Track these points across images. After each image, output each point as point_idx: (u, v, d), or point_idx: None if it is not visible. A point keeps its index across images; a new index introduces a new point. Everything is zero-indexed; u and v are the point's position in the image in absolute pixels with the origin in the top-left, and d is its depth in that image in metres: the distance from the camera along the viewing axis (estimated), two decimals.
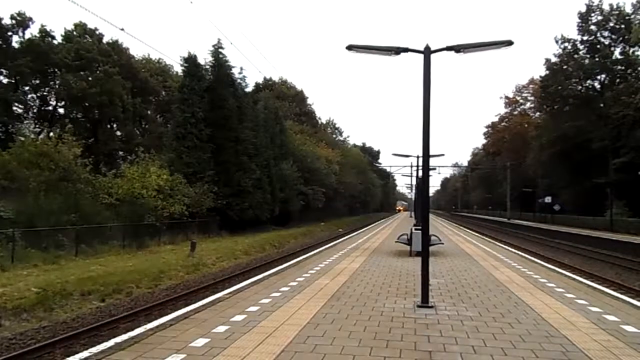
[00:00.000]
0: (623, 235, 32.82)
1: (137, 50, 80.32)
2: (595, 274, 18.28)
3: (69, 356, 5.41)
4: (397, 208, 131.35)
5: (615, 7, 48.15)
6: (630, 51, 47.06)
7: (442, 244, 17.92)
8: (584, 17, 49.37)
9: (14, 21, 38.48)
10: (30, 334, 9.72)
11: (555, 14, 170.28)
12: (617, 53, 48.87)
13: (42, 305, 11.20)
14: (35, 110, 41.76)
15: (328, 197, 57.12)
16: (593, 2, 49.03)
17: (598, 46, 48.86)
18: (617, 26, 47.53)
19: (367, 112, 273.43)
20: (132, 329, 6.72)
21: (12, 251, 15.94)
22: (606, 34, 48.70)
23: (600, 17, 48.56)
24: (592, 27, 49.12)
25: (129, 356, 5.18)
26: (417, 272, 10.34)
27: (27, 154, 22.50)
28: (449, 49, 8.19)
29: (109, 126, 44.98)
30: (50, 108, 42.82)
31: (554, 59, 53.35)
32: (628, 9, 47.38)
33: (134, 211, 23.90)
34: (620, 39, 47.44)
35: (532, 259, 16.44)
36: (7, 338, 9.32)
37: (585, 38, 49.94)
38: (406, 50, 8.35)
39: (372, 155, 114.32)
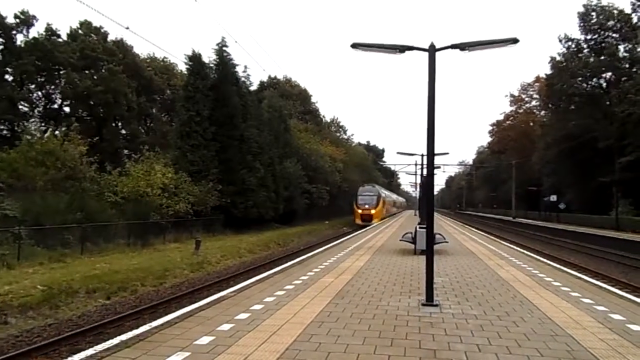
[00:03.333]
0: (629, 234, 32.65)
1: (142, 49, 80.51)
2: (601, 273, 18.22)
3: (74, 353, 5.43)
4: (358, 211, 49.15)
5: (612, 6, 47.95)
6: (634, 49, 46.71)
7: (447, 242, 17.88)
8: (584, 17, 49.15)
9: (17, 20, 38.67)
10: (36, 331, 9.79)
11: (560, 10, 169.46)
12: (621, 51, 48.59)
13: (47, 303, 11.28)
14: (41, 109, 41.97)
15: (332, 195, 57.12)
16: (591, 2, 48.81)
17: (602, 45, 48.59)
18: (619, 25, 47.28)
19: (371, 111, 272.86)
20: (137, 327, 6.73)
21: (18, 249, 16.04)
22: (608, 32, 48.43)
23: (600, 17, 48.30)
24: (594, 26, 48.87)
25: (134, 354, 5.20)
26: (421, 271, 10.32)
27: (33, 153, 22.61)
28: (453, 47, 8.17)
29: (114, 125, 45.17)
30: (56, 106, 43.03)
31: (559, 58, 53.12)
32: (623, 7, 47.30)
33: (139, 209, 23.99)
34: (625, 36, 47.13)
35: (537, 257, 16.37)
36: (13, 335, 9.39)
37: (588, 37, 49.69)
38: (411, 48, 8.33)
39: (376, 153, 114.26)
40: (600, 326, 6.62)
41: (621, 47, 48.06)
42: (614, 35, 47.82)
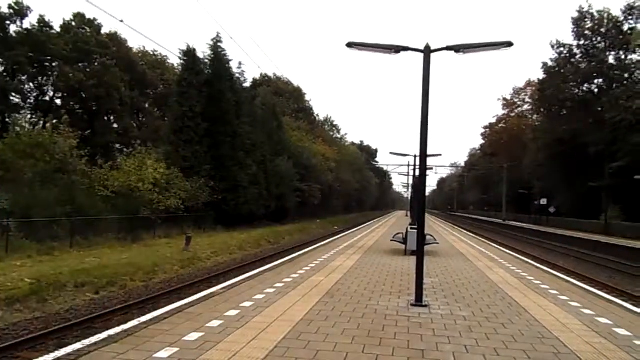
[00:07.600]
0: (618, 239, 32.94)
1: (135, 42, 79.80)
2: (589, 277, 18.35)
3: (62, 347, 5.39)
4: None
5: (604, 13, 48.25)
6: (625, 56, 47.06)
7: (437, 243, 17.97)
8: (578, 23, 49.44)
9: (11, 10, 38.28)
10: (23, 324, 9.69)
11: (554, 16, 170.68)
12: (612, 58, 48.97)
13: (35, 296, 11.16)
14: (32, 101, 41.59)
15: (324, 194, 57.11)
16: (584, 8, 49.13)
17: (593, 51, 48.96)
18: (611, 31, 47.61)
19: (365, 110, 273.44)
20: (126, 322, 6.70)
21: (6, 242, 15.88)
22: (600, 38, 48.79)
23: (593, 23, 48.61)
24: (587, 32, 49.18)
25: (122, 349, 5.18)
26: (411, 271, 10.35)
27: (21, 145, 22.38)
28: (449, 48, 8.19)
29: (106, 118, 44.81)
30: (48, 99, 42.64)
31: (551, 63, 53.43)
32: (616, 14, 47.58)
33: (129, 204, 23.85)
34: (615, 43, 47.48)
35: (527, 260, 16.49)
36: (0, 328, 9.29)
37: (581, 43, 50.01)
38: (406, 49, 8.34)
39: (369, 153, 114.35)
40: (587, 329, 6.69)
41: (612, 54, 48.48)
42: (606, 41, 48.19)
